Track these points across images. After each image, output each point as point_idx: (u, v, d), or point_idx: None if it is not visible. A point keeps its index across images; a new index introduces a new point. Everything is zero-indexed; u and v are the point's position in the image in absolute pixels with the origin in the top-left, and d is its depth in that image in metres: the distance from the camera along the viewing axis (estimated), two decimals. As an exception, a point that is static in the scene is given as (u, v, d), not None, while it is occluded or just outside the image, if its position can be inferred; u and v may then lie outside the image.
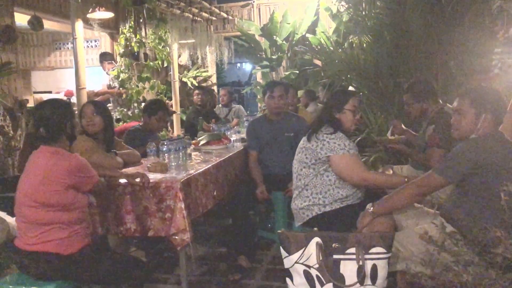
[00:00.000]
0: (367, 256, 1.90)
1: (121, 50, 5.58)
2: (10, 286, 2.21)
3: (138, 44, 5.65)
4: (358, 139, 4.97)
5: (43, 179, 2.16)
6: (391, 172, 3.30)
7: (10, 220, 4.21)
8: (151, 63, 5.66)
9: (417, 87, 3.32)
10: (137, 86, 5.79)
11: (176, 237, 2.55)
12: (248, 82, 16.74)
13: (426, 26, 4.35)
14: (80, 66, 5.03)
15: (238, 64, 17.63)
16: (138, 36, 5.46)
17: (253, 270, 3.40)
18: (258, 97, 8.84)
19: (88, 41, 7.52)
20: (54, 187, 2.16)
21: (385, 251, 1.92)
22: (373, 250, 1.91)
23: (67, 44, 7.80)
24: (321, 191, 2.69)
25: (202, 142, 3.84)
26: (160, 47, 5.63)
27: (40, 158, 2.23)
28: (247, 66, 17.91)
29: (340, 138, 2.68)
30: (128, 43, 5.46)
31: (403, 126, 3.63)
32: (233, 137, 4.21)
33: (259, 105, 8.91)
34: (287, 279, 1.99)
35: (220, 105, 6.57)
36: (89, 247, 2.31)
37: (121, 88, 6.06)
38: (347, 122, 2.76)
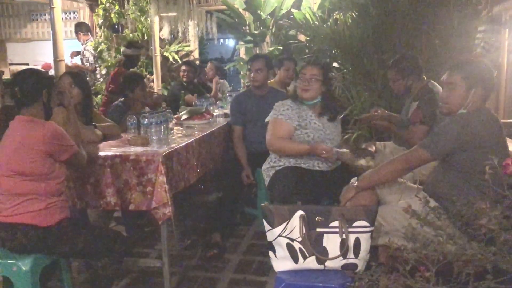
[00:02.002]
0: (350, 230, 1.89)
1: (100, 21, 5.39)
2: (-15, 260, 2.16)
3: (117, 15, 5.47)
4: (341, 116, 4.96)
5: (18, 147, 2.12)
6: (373, 148, 3.30)
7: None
8: (130, 34, 5.49)
9: (403, 63, 3.30)
10: (115, 58, 5.60)
11: (158, 211, 2.51)
12: (231, 58, 16.53)
13: (412, 3, 4.30)
14: (58, 37, 4.86)
15: (221, 40, 17.37)
16: (117, 7, 5.27)
17: (235, 245, 3.40)
18: (241, 73, 8.73)
19: (66, 13, 7.30)
20: (30, 155, 2.11)
21: (369, 224, 1.91)
22: (357, 223, 1.90)
23: (44, 15, 7.56)
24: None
25: (184, 117, 3.77)
26: (142, 20, 5.46)
27: (15, 127, 2.19)
28: (230, 42, 17.67)
29: (280, 105, 2.87)
30: (107, 13, 5.27)
31: (384, 112, 3.57)
32: (216, 112, 4.15)
33: (242, 81, 8.81)
34: (270, 252, 1.98)
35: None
36: (67, 220, 2.26)
37: (96, 64, 5.87)
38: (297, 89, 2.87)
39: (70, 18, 7.44)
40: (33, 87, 2.20)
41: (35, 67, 6.74)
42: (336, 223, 1.90)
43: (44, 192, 2.17)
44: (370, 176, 2.33)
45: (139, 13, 5.39)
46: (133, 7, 5.27)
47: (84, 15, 7.29)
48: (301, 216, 1.90)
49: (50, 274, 2.49)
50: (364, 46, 4.63)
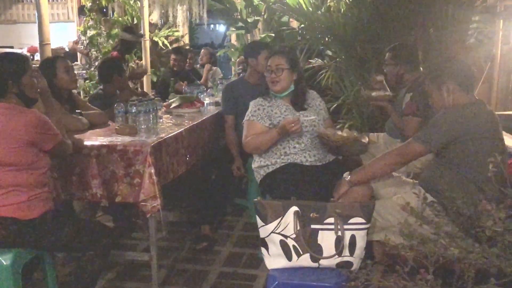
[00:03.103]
0: (346, 227, 1.83)
1: (89, 5, 5.20)
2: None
3: (106, -2, 5.29)
4: (334, 106, 4.90)
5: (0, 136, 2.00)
6: (366, 139, 3.22)
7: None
8: (120, 18, 5.33)
9: (400, 49, 3.24)
10: (106, 44, 5.44)
11: (146, 203, 2.42)
12: (222, 44, 16.33)
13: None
14: (44, 19, 4.68)
15: (212, 25, 17.13)
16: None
17: (225, 237, 3.33)
18: (232, 60, 8.60)
19: (53, -5, 7.10)
20: (12, 143, 2.00)
21: (365, 221, 1.85)
22: (352, 220, 1.84)
23: (30, -4, 7.35)
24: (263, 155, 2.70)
25: (173, 105, 3.67)
26: (131, 3, 5.29)
27: None
28: (221, 28, 17.44)
29: (252, 105, 2.78)
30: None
31: (383, 81, 3.49)
32: (207, 100, 4.05)
33: (233, 68, 8.68)
34: (262, 249, 1.91)
35: (198, 65, 6.34)
36: (51, 212, 2.16)
37: (88, 46, 5.72)
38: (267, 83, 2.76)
39: (57, 1, 7.24)
40: (0, 82, 2.06)
41: (20, 50, 6.57)
42: (331, 220, 1.83)
43: (26, 184, 2.06)
44: (363, 170, 2.27)
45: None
46: (122, -11, 5.12)
47: (71, -3, 7.10)
48: (295, 212, 1.83)
49: (35, 267, 2.39)
50: (358, 34, 4.54)
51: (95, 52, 5.51)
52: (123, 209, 3.39)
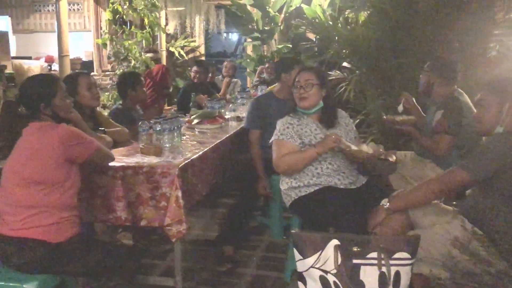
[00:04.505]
0: (390, 262, 1.73)
1: (111, 17, 5.12)
2: (-14, 281, 1.99)
3: (128, 11, 5.23)
4: (357, 121, 4.79)
5: (33, 154, 2.00)
6: (394, 158, 3.10)
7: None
8: (147, 30, 5.27)
9: (439, 61, 3.23)
10: (140, 56, 5.35)
11: (171, 228, 2.33)
12: (234, 53, 16.31)
13: (435, 6, 4.12)
14: (63, 31, 4.68)
15: (225, 34, 17.13)
16: (127, 2, 5.05)
17: (248, 258, 3.23)
18: (248, 70, 8.55)
19: (70, 4, 7.08)
20: (45, 161, 1.98)
21: (409, 256, 1.75)
22: (397, 255, 1.74)
23: (48, 6, 7.34)
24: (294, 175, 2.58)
25: (195, 121, 3.59)
26: (152, 15, 5.24)
27: (28, 134, 2.08)
28: (234, 36, 17.44)
29: (280, 124, 2.67)
30: (115, 8, 5.03)
31: (414, 100, 3.40)
32: (228, 115, 3.97)
33: (248, 79, 8.63)
34: (300, 284, 1.81)
35: (220, 76, 6.28)
36: (77, 236, 2.11)
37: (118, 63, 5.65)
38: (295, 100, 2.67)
39: (74, 10, 7.23)
40: (32, 105, 2.10)
41: (37, 61, 6.57)
42: (374, 254, 1.73)
43: (57, 205, 2.02)
44: (402, 198, 2.17)
45: (149, 7, 5.16)
46: (142, 2, 5.05)
47: (89, 7, 7.08)
48: (336, 245, 1.73)
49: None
50: (382, 48, 4.44)
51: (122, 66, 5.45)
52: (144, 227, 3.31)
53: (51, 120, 2.11)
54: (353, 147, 2.44)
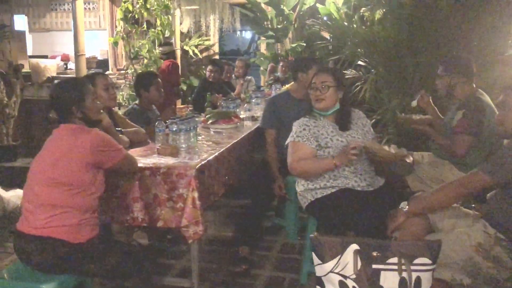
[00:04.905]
0: (411, 267, 1.69)
1: (124, 15, 5.13)
2: (7, 280, 2.00)
3: (139, 9, 5.23)
4: (373, 121, 4.74)
5: (63, 155, 2.02)
6: (411, 159, 3.06)
7: (5, 194, 4.00)
8: (158, 30, 5.26)
9: (453, 60, 3.12)
10: (152, 54, 5.33)
11: (188, 229, 2.33)
12: (247, 51, 16.29)
13: (455, 5, 4.05)
14: (80, 30, 4.70)
15: (238, 32, 17.10)
16: (141, 1, 5.04)
17: (262, 259, 3.22)
18: (262, 68, 8.51)
19: (85, 3, 7.12)
20: (74, 164, 2.01)
21: (431, 262, 1.71)
22: (417, 260, 1.70)
23: (64, 5, 7.40)
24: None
25: (210, 121, 3.59)
26: (166, 16, 5.23)
27: (60, 136, 2.10)
28: (247, 34, 17.40)
29: (296, 125, 2.65)
30: (127, 6, 5.03)
31: (430, 100, 3.35)
32: (242, 115, 3.96)
33: (262, 77, 8.59)
34: (318, 288, 1.79)
35: (233, 76, 6.26)
36: (96, 237, 2.12)
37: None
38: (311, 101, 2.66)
39: (89, 9, 7.27)
40: (63, 108, 2.14)
41: (53, 60, 6.61)
42: (394, 260, 1.70)
43: (80, 206, 2.05)
44: (422, 201, 2.13)
45: (162, 7, 5.15)
46: (154, 2, 5.04)
47: (104, 6, 7.11)
48: (355, 250, 1.70)
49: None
50: (400, 47, 4.39)
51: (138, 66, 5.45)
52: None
53: (83, 123, 2.14)
54: (379, 148, 2.43)
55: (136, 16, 5.33)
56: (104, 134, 2.14)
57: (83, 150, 2.03)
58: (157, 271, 2.88)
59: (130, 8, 5.01)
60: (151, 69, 5.12)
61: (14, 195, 4.05)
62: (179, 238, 3.28)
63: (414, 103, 3.37)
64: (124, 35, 5.46)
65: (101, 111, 2.32)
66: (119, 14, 5.12)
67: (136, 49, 5.31)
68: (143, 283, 2.14)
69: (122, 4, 5.12)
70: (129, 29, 5.35)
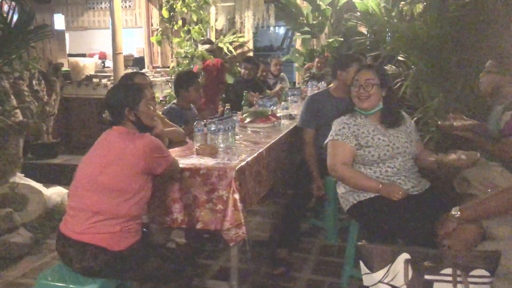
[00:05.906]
0: (468, 279, 1.60)
1: (158, 15, 5.13)
2: (50, 281, 2.01)
3: (181, 8, 5.22)
4: (415, 119, 4.59)
5: (113, 160, 1.99)
6: (477, 156, 2.86)
7: (45, 191, 4.06)
8: (197, 27, 5.24)
9: (507, 56, 2.97)
10: (195, 49, 5.32)
11: (229, 232, 2.28)
12: (280, 47, 16.15)
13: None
14: (117, 29, 4.75)
15: (271, 28, 16.98)
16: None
17: (302, 261, 3.16)
18: (296, 65, 8.42)
19: (122, 1, 7.18)
20: (126, 169, 1.99)
21: (489, 274, 1.61)
22: (474, 272, 1.61)
23: (101, 3, 7.50)
24: None
25: (247, 120, 3.53)
26: (202, 13, 5.21)
27: (112, 138, 2.08)
28: (281, 30, 17.26)
29: (336, 124, 2.57)
30: (172, 6, 5.03)
31: (464, 117, 3.17)
32: (279, 113, 3.89)
33: (297, 74, 8.50)
34: (366, 299, 1.71)
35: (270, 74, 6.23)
36: (137, 243, 2.09)
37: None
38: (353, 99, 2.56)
39: (126, 7, 7.33)
40: (116, 110, 2.13)
41: (91, 58, 6.71)
42: (448, 271, 1.61)
43: (124, 215, 2.01)
44: (476, 208, 2.01)
45: (200, 4, 5.12)
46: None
47: (140, 4, 7.17)
48: (406, 260, 1.62)
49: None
50: (443, 43, 4.22)
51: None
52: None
53: (135, 128, 2.12)
54: (452, 159, 2.41)
55: (178, 14, 5.34)
56: (156, 140, 2.11)
57: (135, 155, 1.99)
58: (195, 271, 2.86)
59: (178, 7, 5.00)
60: (195, 67, 5.13)
61: (54, 192, 4.12)
62: (216, 238, 3.27)
63: (456, 124, 3.19)
64: (170, 34, 5.48)
65: (155, 118, 2.28)
66: (164, 14, 5.13)
67: (184, 47, 5.29)
68: (183, 286, 2.12)
69: (165, 3, 5.12)
70: (173, 28, 5.36)
